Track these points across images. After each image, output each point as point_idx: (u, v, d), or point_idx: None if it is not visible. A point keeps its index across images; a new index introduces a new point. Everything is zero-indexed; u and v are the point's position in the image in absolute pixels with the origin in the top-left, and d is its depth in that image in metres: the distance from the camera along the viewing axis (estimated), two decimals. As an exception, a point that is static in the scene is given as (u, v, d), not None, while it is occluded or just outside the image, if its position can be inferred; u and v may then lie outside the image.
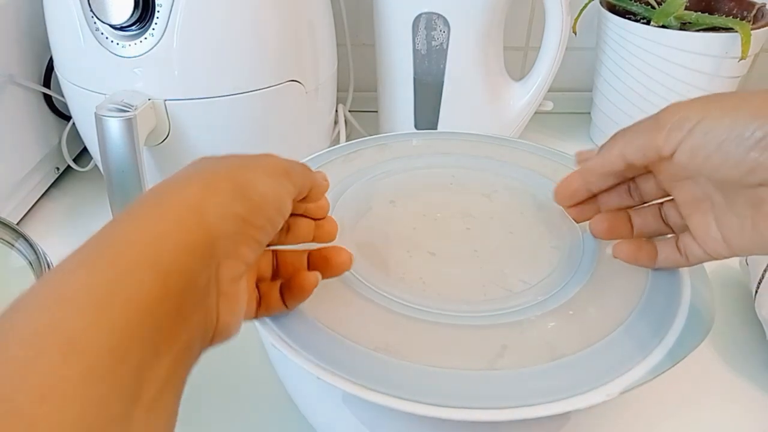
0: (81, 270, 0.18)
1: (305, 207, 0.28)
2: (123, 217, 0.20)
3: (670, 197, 0.29)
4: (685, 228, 0.28)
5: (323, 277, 0.27)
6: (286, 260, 0.28)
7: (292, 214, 0.29)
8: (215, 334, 0.21)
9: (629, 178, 0.30)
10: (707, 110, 0.24)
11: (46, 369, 0.15)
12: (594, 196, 0.32)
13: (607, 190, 0.31)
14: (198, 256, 0.20)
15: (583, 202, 0.32)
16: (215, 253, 0.20)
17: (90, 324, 0.16)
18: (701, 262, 0.28)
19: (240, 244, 0.21)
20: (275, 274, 0.28)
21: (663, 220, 0.30)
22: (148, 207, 0.20)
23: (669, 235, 0.30)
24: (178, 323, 0.18)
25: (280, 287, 0.27)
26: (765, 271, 0.41)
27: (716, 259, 0.27)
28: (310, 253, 0.29)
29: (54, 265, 0.36)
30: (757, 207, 0.24)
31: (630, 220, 0.31)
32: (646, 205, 0.31)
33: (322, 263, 0.28)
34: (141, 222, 0.20)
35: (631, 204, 0.31)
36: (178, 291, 0.18)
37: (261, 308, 0.26)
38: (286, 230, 0.28)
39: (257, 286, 0.27)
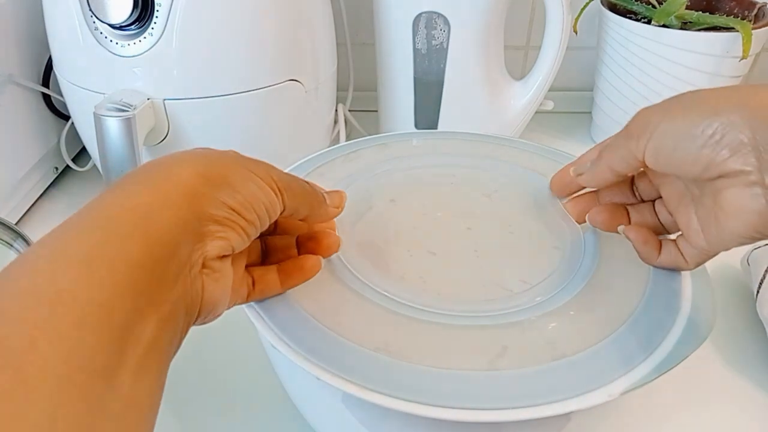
0: (74, 231, 0.19)
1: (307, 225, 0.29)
2: (116, 188, 0.21)
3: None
4: (676, 226, 0.29)
5: None
6: (275, 244, 0.29)
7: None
8: (202, 307, 0.22)
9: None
10: (667, 112, 0.25)
11: (37, 319, 0.16)
12: (595, 196, 0.32)
13: (610, 189, 0.32)
14: (185, 232, 0.20)
15: (586, 202, 0.32)
16: (202, 232, 0.21)
17: (79, 280, 0.17)
18: (696, 262, 0.28)
19: (228, 230, 0.22)
20: (265, 259, 0.29)
21: (658, 218, 0.31)
22: (145, 181, 0.21)
23: (671, 236, 0.30)
24: (161, 289, 0.19)
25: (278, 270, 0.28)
26: (766, 271, 0.41)
27: (703, 255, 0.28)
28: (299, 236, 0.29)
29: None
30: (716, 199, 0.24)
31: (628, 214, 0.31)
32: (642, 203, 0.31)
33: (313, 245, 0.29)
34: (134, 194, 0.21)
35: (633, 203, 0.31)
36: (161, 259, 0.19)
37: (255, 292, 0.27)
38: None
39: (249, 272, 0.27)
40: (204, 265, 0.21)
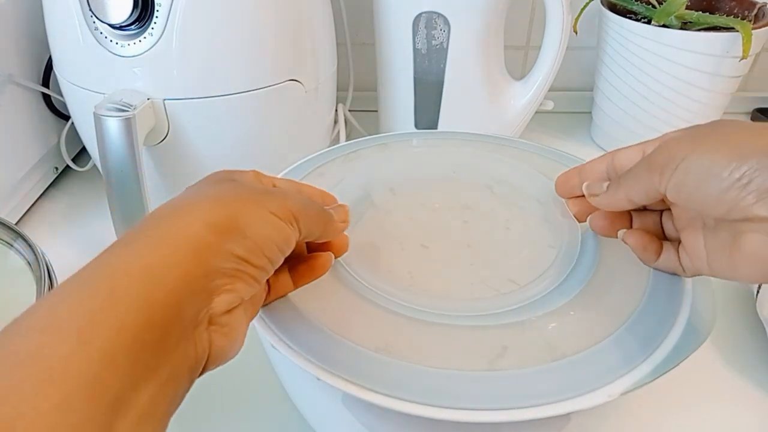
0: (71, 297, 0.18)
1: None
2: (122, 243, 0.20)
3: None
4: (679, 240, 0.29)
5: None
6: None
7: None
8: (209, 362, 0.21)
9: None
10: (691, 149, 0.25)
11: (19, 398, 0.15)
12: None
13: None
14: (191, 291, 0.19)
15: (587, 203, 0.32)
16: (209, 288, 0.20)
17: (71, 353, 0.16)
18: (693, 274, 0.28)
19: (237, 281, 0.21)
20: None
21: (661, 228, 0.30)
22: (149, 237, 0.20)
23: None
24: (161, 354, 0.18)
25: (289, 269, 0.28)
26: (766, 271, 0.41)
27: (699, 275, 0.28)
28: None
29: (51, 265, 0.36)
30: (735, 239, 0.24)
31: (630, 221, 0.31)
32: (647, 211, 0.31)
33: (325, 245, 0.29)
34: (138, 252, 0.20)
35: (634, 209, 0.31)
36: (163, 322, 0.18)
37: (270, 296, 0.27)
38: None
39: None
40: (211, 322, 0.21)
